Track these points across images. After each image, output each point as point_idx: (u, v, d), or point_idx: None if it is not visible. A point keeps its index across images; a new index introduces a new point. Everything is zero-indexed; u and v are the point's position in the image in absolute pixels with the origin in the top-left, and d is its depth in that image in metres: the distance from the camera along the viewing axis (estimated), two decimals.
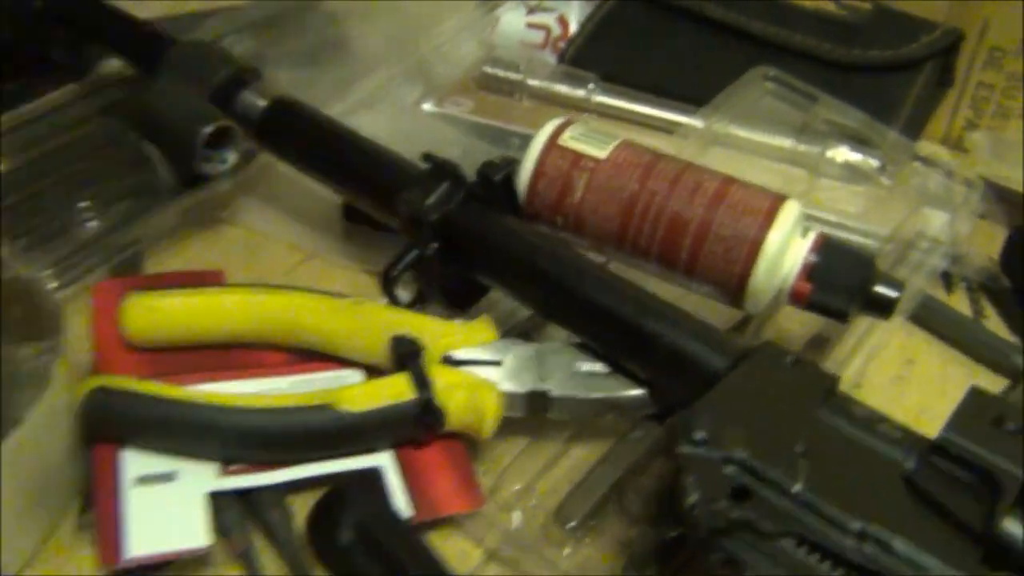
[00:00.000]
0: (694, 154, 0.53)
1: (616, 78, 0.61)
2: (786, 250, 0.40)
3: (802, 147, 0.55)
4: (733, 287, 0.40)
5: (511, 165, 0.41)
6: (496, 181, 0.41)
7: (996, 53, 0.62)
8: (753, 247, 0.39)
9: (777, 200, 0.40)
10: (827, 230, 0.51)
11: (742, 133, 0.55)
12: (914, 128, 0.58)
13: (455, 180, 0.41)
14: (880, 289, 0.39)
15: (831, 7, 0.61)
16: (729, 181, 0.41)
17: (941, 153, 0.64)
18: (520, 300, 0.40)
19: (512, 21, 0.68)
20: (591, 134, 0.43)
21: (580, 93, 0.58)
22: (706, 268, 0.40)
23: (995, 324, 0.49)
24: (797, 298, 0.40)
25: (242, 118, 0.46)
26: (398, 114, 0.56)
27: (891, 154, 0.53)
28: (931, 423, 0.44)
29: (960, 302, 0.51)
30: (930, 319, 0.48)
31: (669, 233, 0.40)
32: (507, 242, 0.40)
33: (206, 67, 0.48)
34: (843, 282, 0.39)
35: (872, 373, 0.45)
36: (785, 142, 0.55)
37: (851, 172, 0.54)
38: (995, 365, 0.46)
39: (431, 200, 0.40)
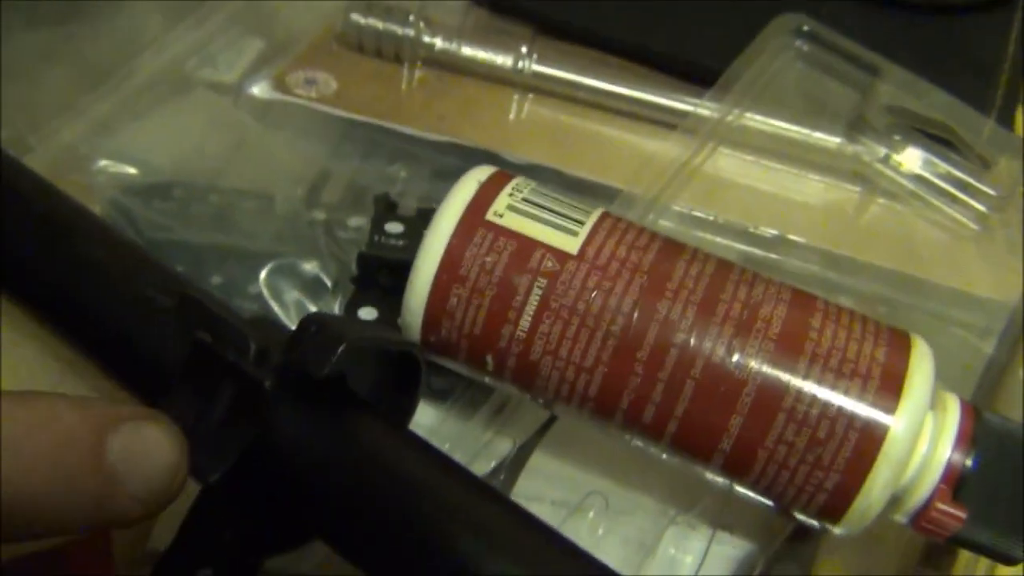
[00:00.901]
0: (695, 164, 0.34)
1: (565, 25, 0.40)
2: (915, 445, 0.21)
3: (851, 148, 0.35)
4: (820, 507, 0.21)
5: (356, 338, 0.20)
6: (327, 374, 0.19)
7: None
8: (867, 444, 0.20)
9: (897, 341, 0.21)
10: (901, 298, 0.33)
11: (763, 126, 0.35)
12: (1011, 105, 0.39)
13: (242, 378, 0.19)
14: None
15: None
16: (806, 301, 0.22)
17: None
18: None
19: None
20: (548, 197, 0.22)
21: (507, 61, 0.37)
22: (770, 472, 0.21)
23: None
24: (934, 530, 0.21)
25: None
26: (208, 108, 0.34)
27: (992, 158, 0.34)
28: None
29: None
30: None
31: (699, 407, 0.21)
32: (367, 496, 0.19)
33: None
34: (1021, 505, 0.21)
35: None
36: (829, 140, 0.35)
37: (930, 189, 0.35)
38: None
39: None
